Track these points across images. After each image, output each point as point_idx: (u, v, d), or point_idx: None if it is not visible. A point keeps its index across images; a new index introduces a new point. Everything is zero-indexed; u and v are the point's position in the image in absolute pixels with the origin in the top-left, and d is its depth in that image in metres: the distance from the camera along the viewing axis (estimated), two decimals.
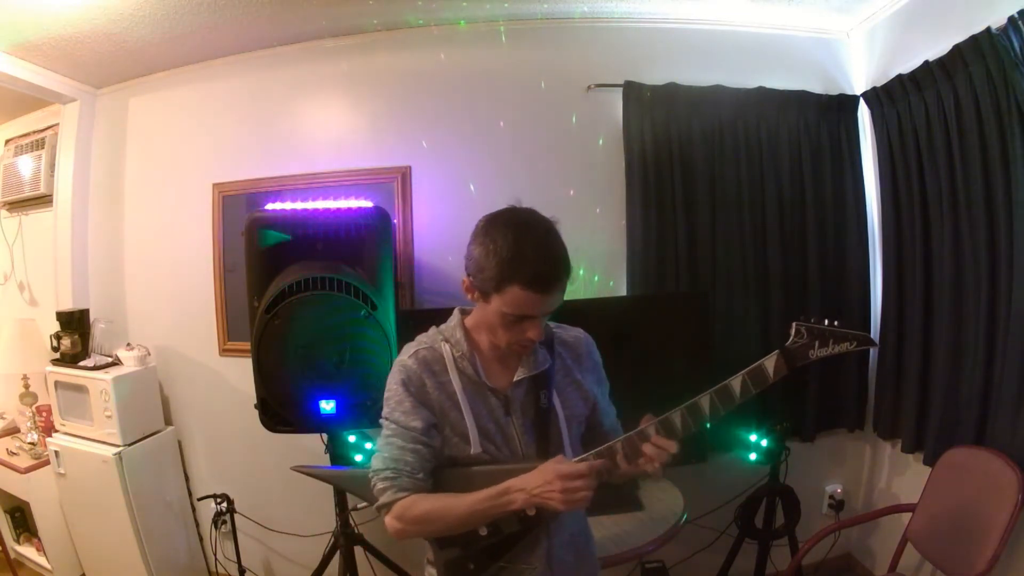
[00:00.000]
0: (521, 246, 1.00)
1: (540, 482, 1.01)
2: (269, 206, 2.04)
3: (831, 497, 2.61)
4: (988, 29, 1.79)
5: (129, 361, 2.51)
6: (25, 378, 2.77)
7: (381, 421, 1.13)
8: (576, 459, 1.07)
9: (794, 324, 1.09)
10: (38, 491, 2.58)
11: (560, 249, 1.03)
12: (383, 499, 1.07)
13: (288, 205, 2.03)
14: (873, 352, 2.48)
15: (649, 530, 1.91)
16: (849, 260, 2.47)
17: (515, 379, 1.12)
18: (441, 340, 1.14)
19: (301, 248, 1.89)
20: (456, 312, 1.18)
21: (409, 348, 1.15)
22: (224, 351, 2.66)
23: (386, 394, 1.12)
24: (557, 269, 1.01)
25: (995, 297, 1.91)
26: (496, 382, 1.13)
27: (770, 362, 1.08)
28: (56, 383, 2.52)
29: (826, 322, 1.08)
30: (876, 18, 2.37)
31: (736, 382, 1.08)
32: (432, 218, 2.48)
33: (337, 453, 2.13)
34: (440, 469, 1.11)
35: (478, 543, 1.10)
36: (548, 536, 1.12)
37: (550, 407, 1.13)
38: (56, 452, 2.48)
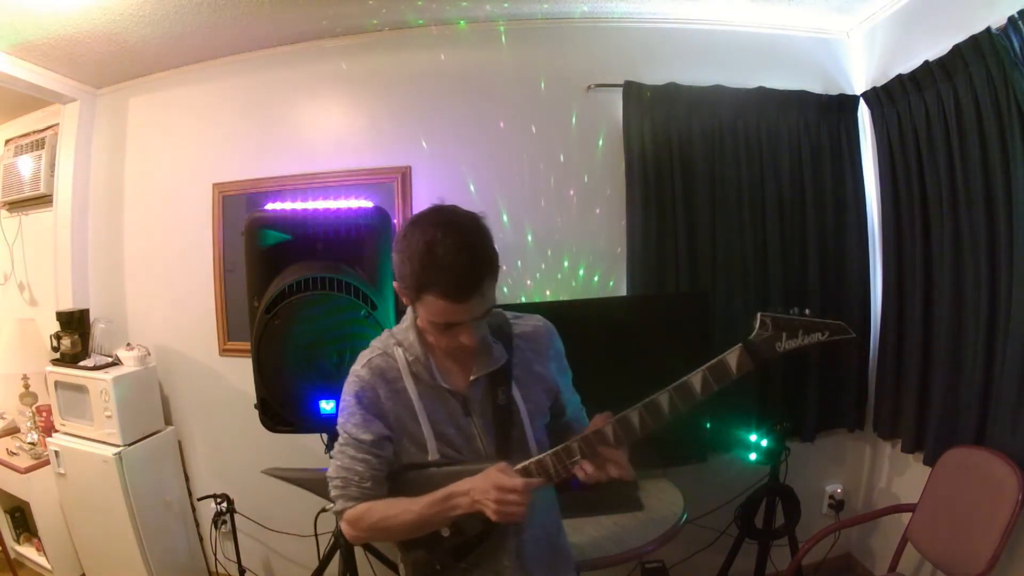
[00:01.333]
0: (433, 254, 0.94)
1: (482, 488, 1.00)
2: (269, 206, 2.03)
3: (831, 497, 2.61)
4: (988, 29, 1.79)
5: (129, 361, 2.51)
6: (25, 378, 2.77)
7: (336, 429, 1.12)
8: (520, 465, 1.04)
9: (759, 315, 1.01)
10: (38, 491, 2.58)
11: (477, 253, 0.96)
12: (335, 507, 1.11)
13: (288, 205, 2.03)
14: (873, 352, 2.48)
15: (649, 530, 1.91)
16: (849, 260, 2.47)
17: (471, 378, 1.09)
18: (394, 344, 1.11)
19: (301, 248, 1.89)
20: (409, 312, 1.12)
21: (363, 356, 1.13)
22: (224, 351, 2.66)
23: (340, 403, 1.12)
24: (472, 277, 0.95)
25: (995, 297, 1.91)
26: (453, 383, 1.10)
27: (732, 357, 1.01)
28: (56, 383, 2.52)
29: (794, 311, 1.00)
30: (876, 18, 2.37)
31: (696, 378, 1.01)
32: None
33: None
34: (402, 472, 1.11)
35: (442, 544, 1.10)
36: (517, 533, 1.11)
37: (509, 403, 1.10)
38: (56, 452, 2.48)
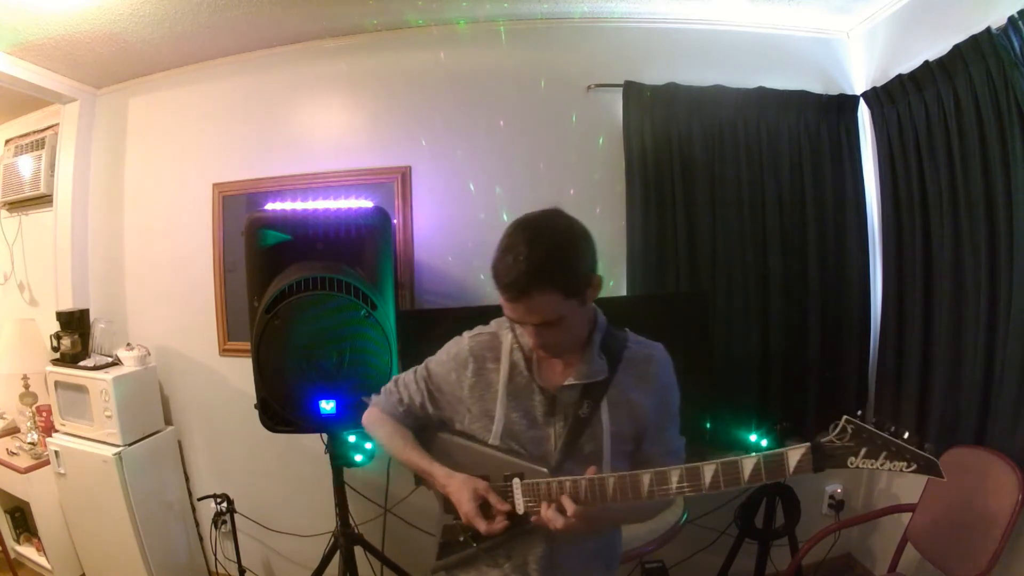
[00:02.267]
0: (500, 250, 1.00)
1: (456, 497, 1.10)
2: (269, 206, 2.04)
3: (831, 497, 2.61)
4: (988, 29, 1.79)
5: (129, 361, 2.51)
6: (25, 378, 2.77)
7: (429, 357, 1.25)
8: (564, 479, 1.04)
9: (843, 418, 0.87)
10: (38, 491, 2.58)
11: (536, 261, 0.96)
12: (373, 399, 1.30)
13: (288, 205, 2.03)
14: (873, 352, 2.48)
15: (649, 530, 1.91)
16: (849, 260, 2.47)
17: (565, 382, 1.10)
18: (507, 327, 1.16)
19: (301, 248, 1.89)
20: None
21: (478, 328, 1.21)
22: (224, 351, 2.66)
23: (441, 349, 1.23)
24: (520, 280, 0.96)
25: (995, 297, 1.91)
26: (547, 381, 1.12)
27: (795, 455, 0.89)
28: (56, 383, 2.52)
29: (891, 430, 0.84)
30: (876, 18, 2.37)
31: (748, 463, 0.91)
32: (432, 218, 2.48)
33: (337, 453, 2.13)
34: (456, 434, 1.19)
35: None
36: (549, 541, 1.11)
37: (591, 418, 1.09)
38: (56, 452, 2.48)
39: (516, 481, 1.09)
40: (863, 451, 0.85)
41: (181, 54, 2.55)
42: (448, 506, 1.16)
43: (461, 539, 1.16)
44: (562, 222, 1.03)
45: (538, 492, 1.07)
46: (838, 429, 0.87)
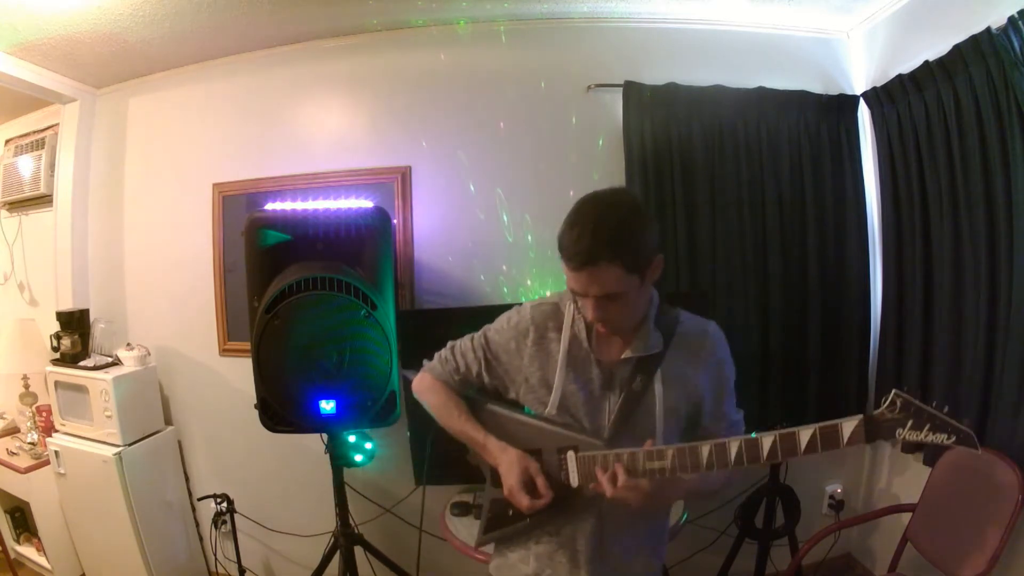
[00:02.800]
0: (569, 223, 1.03)
1: (505, 470, 1.11)
2: (269, 206, 2.04)
3: (831, 497, 2.60)
4: (988, 29, 1.79)
5: (129, 361, 2.51)
6: (25, 378, 2.77)
7: (486, 326, 1.25)
8: (615, 451, 1.06)
9: (893, 391, 0.92)
10: (38, 491, 2.58)
11: (601, 232, 0.99)
12: (426, 365, 1.30)
13: (288, 205, 2.03)
14: (873, 351, 2.48)
15: None
16: (849, 260, 2.47)
17: (622, 356, 1.12)
18: (570, 300, 1.16)
19: (301, 248, 1.89)
20: None
21: (539, 299, 1.23)
22: (224, 351, 2.66)
23: (501, 318, 1.24)
24: (586, 249, 0.99)
25: (995, 297, 1.91)
26: (605, 355, 1.13)
27: (849, 425, 0.94)
28: (56, 383, 2.52)
29: (935, 404, 0.92)
30: (876, 18, 2.37)
31: (805, 434, 0.95)
32: (432, 218, 2.48)
33: (337, 453, 2.13)
34: (512, 405, 1.21)
35: None
36: (599, 518, 1.14)
37: (644, 392, 1.11)
38: (56, 452, 2.48)
39: (571, 454, 1.11)
40: (910, 423, 0.91)
41: (181, 54, 2.55)
42: (496, 479, 1.16)
43: (510, 513, 1.17)
44: (629, 199, 1.08)
45: (593, 465, 1.08)
46: (888, 402, 0.92)
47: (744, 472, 1.07)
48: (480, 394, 1.27)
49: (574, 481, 1.10)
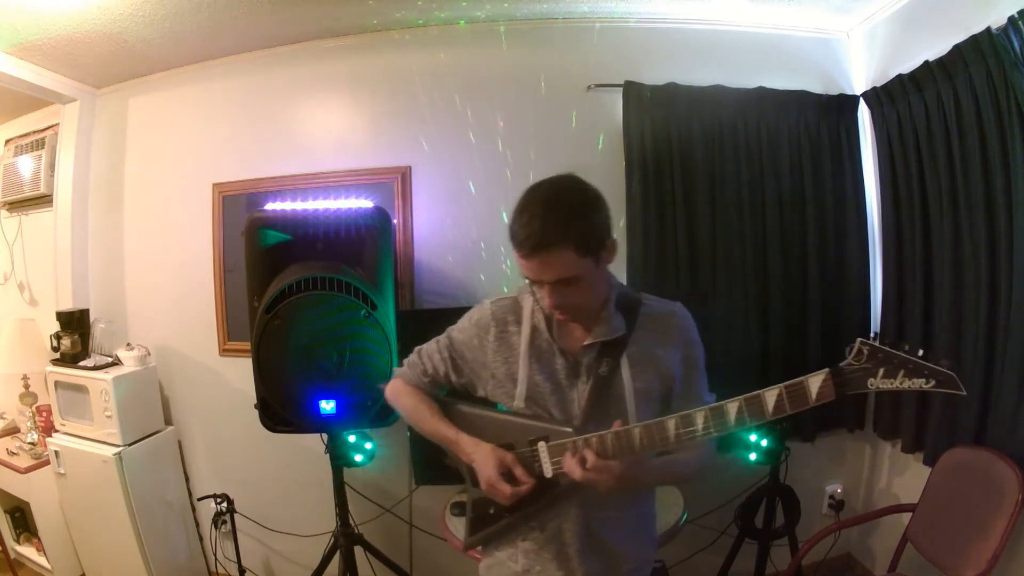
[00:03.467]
0: (516, 211, 1.02)
1: (480, 465, 1.10)
2: (269, 206, 2.04)
3: (831, 497, 2.60)
4: (988, 29, 1.79)
5: (129, 361, 2.51)
6: (25, 378, 2.77)
7: (450, 327, 1.26)
8: (586, 437, 1.04)
9: (857, 341, 0.87)
10: (38, 491, 2.58)
11: (554, 216, 0.99)
12: (397, 371, 1.31)
13: (288, 205, 2.03)
14: None
15: None
16: (849, 260, 2.47)
17: (585, 343, 1.11)
18: (528, 292, 1.16)
19: (301, 248, 1.89)
20: None
21: (500, 295, 1.23)
22: (224, 351, 2.66)
23: (463, 317, 1.24)
24: (539, 235, 0.98)
25: (995, 297, 1.91)
26: (567, 343, 1.13)
27: (815, 381, 0.90)
28: (56, 383, 2.52)
29: (905, 347, 0.85)
30: (876, 18, 2.37)
31: (771, 395, 0.92)
32: (432, 218, 2.48)
33: (337, 453, 2.13)
34: (479, 402, 1.21)
35: None
36: (583, 509, 1.12)
37: (612, 376, 1.10)
38: (56, 452, 2.48)
39: (542, 444, 1.10)
40: (881, 372, 0.86)
41: (181, 54, 2.55)
42: (475, 479, 1.15)
43: (492, 511, 1.16)
44: (577, 183, 1.07)
45: (564, 453, 1.06)
46: (854, 352, 0.87)
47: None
48: (451, 395, 1.27)
49: (548, 471, 1.09)
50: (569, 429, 1.08)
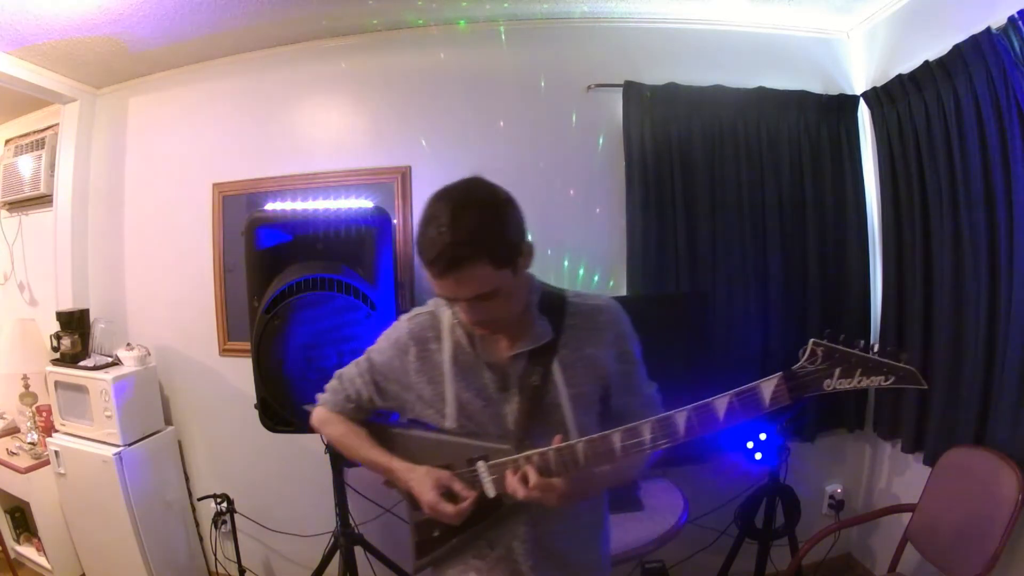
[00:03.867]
0: (423, 224, 0.94)
1: (419, 489, 1.05)
2: (269, 206, 2.04)
3: (831, 497, 2.60)
4: (988, 29, 1.79)
5: (129, 361, 2.51)
6: (25, 378, 2.77)
7: (369, 347, 1.19)
8: (525, 454, 0.99)
9: (811, 342, 0.84)
10: (38, 491, 2.58)
11: (464, 233, 0.90)
12: (320, 398, 1.22)
13: (288, 205, 2.03)
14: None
15: (649, 530, 1.91)
16: (849, 260, 2.47)
17: (511, 354, 1.05)
18: (444, 304, 1.10)
19: (301, 248, 1.89)
20: None
21: (415, 310, 1.15)
22: (224, 351, 2.66)
23: (381, 336, 1.17)
24: (450, 254, 0.90)
25: (995, 297, 1.91)
26: (493, 355, 1.07)
27: (768, 386, 0.86)
28: (56, 383, 2.52)
29: (859, 345, 0.81)
30: (876, 18, 2.37)
31: (721, 402, 0.88)
32: None
33: (337, 453, 2.13)
34: (413, 425, 1.14)
35: None
36: (530, 523, 1.07)
37: (545, 384, 1.04)
38: (56, 452, 2.48)
39: (481, 464, 1.05)
40: (837, 372, 0.82)
41: (181, 54, 2.55)
42: (416, 503, 1.11)
43: (436, 534, 1.12)
44: (484, 189, 0.99)
45: (505, 471, 1.01)
46: (807, 354, 0.84)
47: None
48: (379, 419, 1.20)
49: (490, 491, 1.04)
50: (507, 446, 1.03)
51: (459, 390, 1.06)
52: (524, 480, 0.97)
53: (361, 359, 1.18)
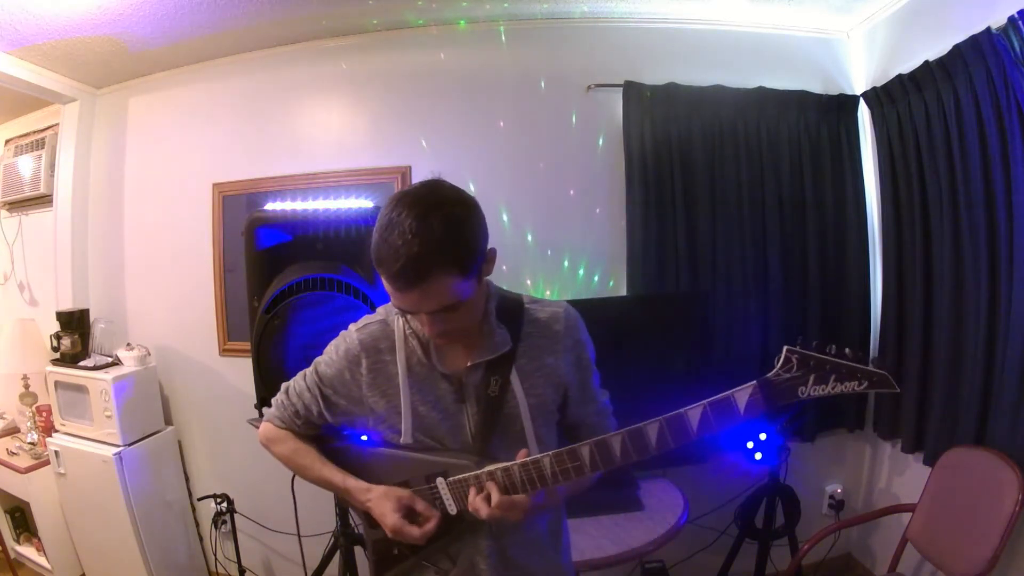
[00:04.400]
0: (385, 232, 0.85)
1: (378, 511, 1.02)
2: (269, 206, 2.04)
3: (831, 497, 2.61)
4: (988, 29, 1.79)
5: (129, 361, 2.51)
6: (25, 378, 2.77)
7: (316, 359, 1.12)
8: (488, 469, 0.96)
9: (784, 349, 0.83)
10: (38, 491, 2.58)
11: (430, 245, 0.83)
12: (266, 413, 1.16)
13: (288, 205, 2.03)
14: (873, 352, 2.48)
15: (649, 530, 1.91)
16: (849, 260, 2.47)
17: (469, 363, 1.01)
18: (396, 313, 1.03)
19: (301, 248, 1.89)
20: None
21: (364, 319, 1.08)
22: (224, 351, 2.66)
23: (329, 347, 1.10)
24: (414, 267, 0.83)
25: (995, 297, 1.91)
26: (449, 366, 1.02)
27: (742, 395, 0.84)
28: (56, 383, 2.52)
29: (831, 349, 0.81)
30: (876, 18, 2.37)
31: (695, 412, 0.86)
32: None
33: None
34: (367, 443, 1.10)
35: None
36: (492, 537, 1.05)
37: (503, 395, 1.01)
38: (56, 452, 2.48)
39: (440, 481, 1.01)
40: (811, 379, 0.81)
41: (181, 54, 2.55)
42: (372, 521, 1.07)
43: (395, 552, 1.08)
44: (451, 193, 0.91)
45: (466, 488, 0.98)
46: (781, 361, 0.83)
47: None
48: (331, 434, 1.15)
49: (451, 508, 1.01)
50: (466, 461, 1.00)
51: (415, 403, 1.02)
52: (487, 499, 0.94)
53: (309, 371, 1.11)
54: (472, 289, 0.92)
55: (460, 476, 0.99)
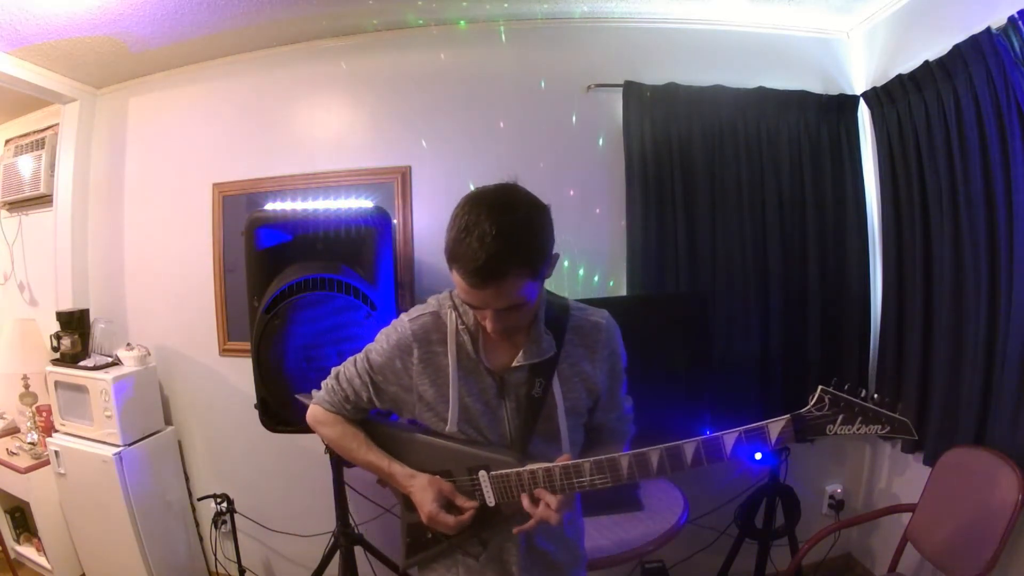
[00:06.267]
0: (465, 231, 0.90)
1: (419, 498, 1.09)
2: (269, 206, 2.04)
3: (831, 497, 2.61)
4: (988, 29, 1.79)
5: (129, 361, 2.51)
6: (25, 378, 2.76)
7: (367, 346, 1.16)
8: (529, 468, 1.03)
9: (819, 388, 0.91)
10: (38, 491, 2.58)
11: (507, 246, 0.89)
12: (316, 396, 1.20)
13: (288, 205, 2.03)
14: (873, 352, 2.48)
15: (649, 530, 1.91)
16: (849, 260, 2.47)
17: (513, 364, 1.06)
18: (450, 306, 1.09)
19: (301, 248, 1.89)
20: None
21: (416, 309, 1.13)
22: (224, 351, 2.66)
23: (379, 336, 1.14)
24: (492, 267, 0.89)
25: (995, 297, 1.91)
26: (493, 362, 1.08)
27: (776, 426, 0.92)
28: (56, 383, 2.52)
29: (862, 393, 0.89)
30: (876, 18, 2.37)
31: (730, 438, 0.94)
32: (432, 218, 2.48)
33: (337, 453, 2.13)
34: (414, 428, 1.15)
35: None
36: (521, 524, 1.09)
37: (545, 397, 1.07)
38: (56, 452, 2.48)
39: (483, 474, 1.07)
40: (840, 418, 0.90)
41: (181, 54, 2.55)
42: (409, 503, 1.13)
43: (429, 536, 1.15)
44: (524, 196, 0.98)
45: (508, 483, 1.05)
46: (815, 400, 0.91)
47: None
48: (378, 419, 1.21)
49: (490, 500, 1.07)
50: (509, 458, 1.06)
51: (462, 393, 1.06)
52: (535, 502, 1.01)
53: (359, 358, 1.16)
54: (538, 290, 0.99)
55: (503, 471, 1.05)
